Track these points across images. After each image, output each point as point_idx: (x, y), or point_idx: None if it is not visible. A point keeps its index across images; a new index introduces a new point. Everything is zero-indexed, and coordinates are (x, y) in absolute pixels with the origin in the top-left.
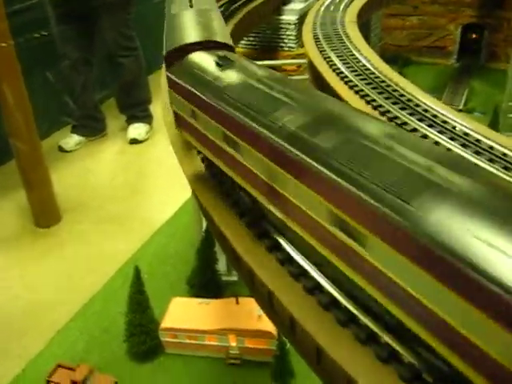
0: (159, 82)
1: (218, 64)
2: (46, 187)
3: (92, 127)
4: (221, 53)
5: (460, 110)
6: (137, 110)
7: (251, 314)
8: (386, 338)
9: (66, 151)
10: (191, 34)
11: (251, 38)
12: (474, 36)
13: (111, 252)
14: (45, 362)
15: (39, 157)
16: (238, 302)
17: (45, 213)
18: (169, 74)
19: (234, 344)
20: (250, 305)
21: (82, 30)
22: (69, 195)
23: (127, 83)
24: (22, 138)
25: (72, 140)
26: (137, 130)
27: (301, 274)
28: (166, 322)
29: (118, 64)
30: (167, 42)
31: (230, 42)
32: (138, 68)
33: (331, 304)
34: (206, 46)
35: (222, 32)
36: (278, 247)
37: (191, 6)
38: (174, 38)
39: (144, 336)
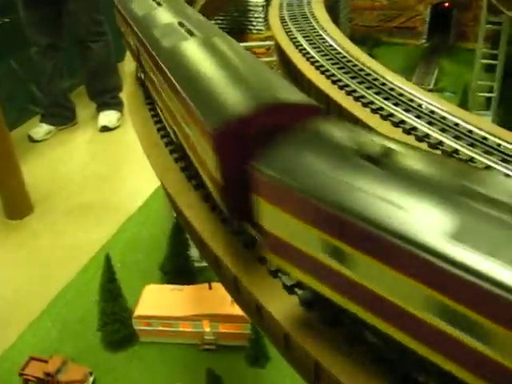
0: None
1: (373, 160)
2: (17, 178)
3: (61, 116)
4: (352, 132)
5: (430, 90)
6: (107, 97)
7: (224, 299)
8: (352, 320)
9: (36, 141)
10: (243, 93)
11: (219, 21)
12: (445, 5)
13: (84, 241)
14: (18, 353)
15: (8, 147)
16: (210, 288)
17: (16, 204)
18: (259, 175)
19: (208, 329)
20: (223, 290)
21: (50, 14)
22: (40, 186)
23: (96, 69)
24: None
25: (42, 129)
26: (107, 117)
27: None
28: (140, 310)
29: (87, 49)
30: (202, 108)
31: (313, 102)
32: (107, 53)
33: (296, 287)
34: (279, 111)
35: (283, 84)
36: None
37: (192, 34)
38: (210, 99)
39: (118, 325)
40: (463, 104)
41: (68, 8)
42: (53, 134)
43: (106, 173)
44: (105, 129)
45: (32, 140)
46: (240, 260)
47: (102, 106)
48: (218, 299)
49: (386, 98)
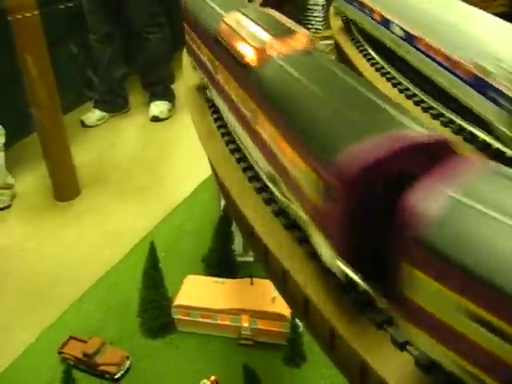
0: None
1: None
2: (67, 160)
3: (114, 103)
4: None
5: None
6: (160, 88)
7: (265, 296)
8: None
9: (88, 126)
10: (367, 126)
11: None
12: None
13: (129, 227)
14: (58, 333)
15: (60, 129)
16: (252, 283)
17: (64, 186)
18: (423, 248)
19: (246, 324)
20: (265, 286)
21: (109, 3)
22: (89, 170)
23: (152, 60)
24: (44, 110)
25: (94, 115)
26: (158, 107)
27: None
28: (180, 300)
29: (145, 40)
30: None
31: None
32: (163, 45)
33: (347, 285)
34: (411, 150)
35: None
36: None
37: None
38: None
39: (157, 312)
40: None
41: None
42: (105, 121)
43: (154, 162)
44: (155, 119)
45: (84, 125)
46: (290, 254)
47: (154, 96)
48: (259, 295)
49: (445, 104)
